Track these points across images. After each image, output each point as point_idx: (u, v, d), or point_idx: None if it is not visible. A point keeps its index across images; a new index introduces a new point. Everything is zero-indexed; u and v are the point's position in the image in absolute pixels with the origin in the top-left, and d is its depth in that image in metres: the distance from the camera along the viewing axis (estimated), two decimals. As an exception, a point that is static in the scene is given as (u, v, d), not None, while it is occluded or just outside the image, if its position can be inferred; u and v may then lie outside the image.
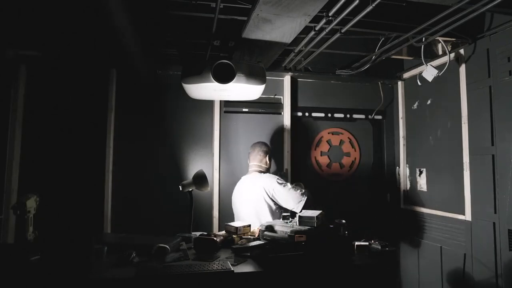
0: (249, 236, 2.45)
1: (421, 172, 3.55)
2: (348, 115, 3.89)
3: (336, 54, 3.28)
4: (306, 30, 2.51)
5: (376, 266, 2.21)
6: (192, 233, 2.55)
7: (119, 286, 1.81)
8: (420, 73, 3.28)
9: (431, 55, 3.25)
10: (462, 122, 2.98)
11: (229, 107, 3.57)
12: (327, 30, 2.51)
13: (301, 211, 2.55)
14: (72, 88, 3.25)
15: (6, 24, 2.65)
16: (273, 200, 2.73)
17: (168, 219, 3.16)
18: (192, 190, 2.71)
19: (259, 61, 2.95)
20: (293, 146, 3.64)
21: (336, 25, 2.42)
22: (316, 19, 2.34)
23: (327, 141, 3.80)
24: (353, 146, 3.86)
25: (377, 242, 2.27)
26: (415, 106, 3.67)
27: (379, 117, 3.96)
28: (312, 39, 2.71)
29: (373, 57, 3.16)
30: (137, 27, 2.38)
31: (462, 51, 3.00)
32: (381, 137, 3.97)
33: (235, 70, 2.51)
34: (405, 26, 2.60)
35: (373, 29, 2.63)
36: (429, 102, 3.46)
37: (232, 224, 2.51)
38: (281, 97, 3.70)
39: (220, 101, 3.53)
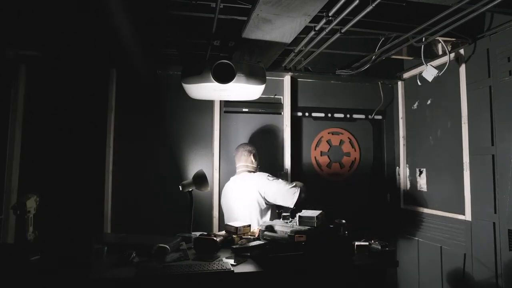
0: (249, 236, 2.45)
1: (421, 172, 3.56)
2: (348, 115, 3.88)
3: (336, 54, 3.28)
4: (306, 30, 2.51)
5: (376, 266, 2.22)
6: (192, 233, 2.54)
7: (119, 286, 1.81)
8: (420, 73, 3.28)
9: (431, 55, 3.25)
10: (462, 122, 2.98)
11: (229, 107, 3.57)
12: (327, 30, 2.51)
13: (295, 207, 2.54)
14: (72, 88, 3.25)
15: (6, 24, 2.65)
16: (264, 199, 2.71)
17: (168, 219, 3.16)
18: (192, 190, 2.71)
19: (259, 61, 2.95)
20: (293, 146, 3.64)
21: (336, 25, 2.42)
22: (316, 19, 2.34)
23: (327, 141, 3.80)
24: (353, 146, 3.86)
25: (377, 242, 2.26)
26: (415, 106, 3.67)
27: (379, 117, 3.96)
28: (312, 39, 2.71)
29: (373, 57, 3.16)
30: (137, 27, 2.38)
31: (462, 51, 3.00)
32: (381, 137, 3.97)
33: (235, 70, 2.51)
34: (405, 26, 2.60)
35: (373, 29, 2.63)
36: (429, 102, 3.46)
37: (232, 224, 2.50)
38: (281, 97, 3.70)
39: (220, 101, 3.53)
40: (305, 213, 2.31)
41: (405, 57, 3.45)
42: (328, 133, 3.81)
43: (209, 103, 3.52)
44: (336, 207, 3.44)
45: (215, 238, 2.23)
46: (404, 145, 3.82)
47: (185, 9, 2.33)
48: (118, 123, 3.32)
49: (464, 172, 2.94)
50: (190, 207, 2.67)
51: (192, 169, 3.36)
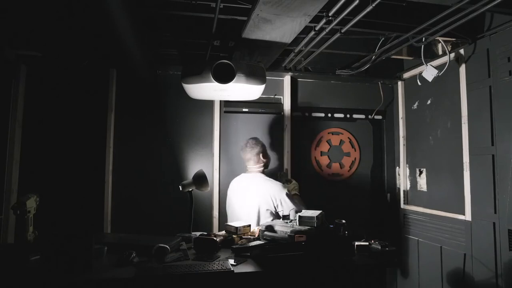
0: (249, 236, 2.45)
1: (421, 172, 3.56)
2: (348, 115, 3.88)
3: (336, 54, 3.28)
4: (306, 30, 2.51)
5: (376, 266, 2.21)
6: (192, 233, 2.54)
7: (119, 286, 1.81)
8: (420, 73, 3.28)
9: (431, 55, 3.25)
10: (462, 122, 2.98)
11: (229, 107, 3.57)
12: (327, 30, 2.51)
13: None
14: (72, 88, 3.25)
15: (6, 24, 2.65)
16: (274, 206, 2.73)
17: (168, 219, 3.16)
18: (192, 190, 2.71)
19: (259, 61, 2.95)
20: (293, 146, 3.64)
21: (336, 25, 2.42)
22: (316, 19, 2.34)
23: (327, 141, 3.80)
24: (353, 146, 3.86)
25: (377, 242, 2.27)
26: (415, 106, 3.67)
27: (379, 117, 3.96)
28: (312, 39, 2.71)
29: (373, 57, 3.16)
30: (137, 27, 2.38)
31: (462, 51, 3.00)
32: (381, 137, 3.97)
33: (235, 70, 2.51)
34: (405, 26, 2.60)
35: (373, 29, 2.63)
36: (429, 102, 3.46)
37: (232, 224, 2.50)
38: (281, 97, 3.70)
39: (220, 101, 3.53)
40: (305, 213, 2.31)
41: (405, 57, 3.45)
42: (328, 133, 3.81)
43: (209, 103, 3.51)
44: (336, 207, 3.46)
45: (215, 238, 2.23)
46: (404, 145, 3.82)
47: (185, 9, 2.33)
48: (118, 123, 3.32)
49: (464, 172, 2.94)
50: (190, 207, 2.67)
51: (192, 169, 3.36)
